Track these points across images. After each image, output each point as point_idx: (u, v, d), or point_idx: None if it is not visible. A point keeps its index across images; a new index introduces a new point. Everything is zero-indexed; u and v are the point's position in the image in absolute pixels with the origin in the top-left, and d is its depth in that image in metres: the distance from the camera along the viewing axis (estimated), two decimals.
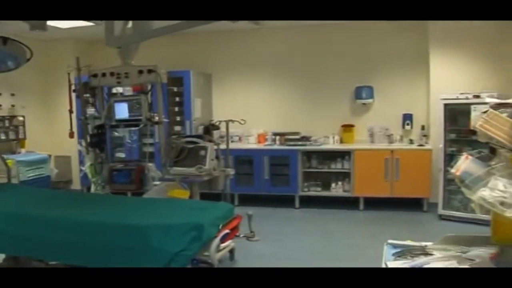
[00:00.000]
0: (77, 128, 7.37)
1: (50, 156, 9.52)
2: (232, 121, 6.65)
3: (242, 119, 6.81)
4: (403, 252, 2.95)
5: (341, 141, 8.65)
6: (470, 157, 2.71)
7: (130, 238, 3.65)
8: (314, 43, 8.82)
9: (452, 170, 2.77)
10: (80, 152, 8.07)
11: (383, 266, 2.80)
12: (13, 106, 9.31)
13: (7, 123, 9.03)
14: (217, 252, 3.88)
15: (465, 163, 2.69)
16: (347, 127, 8.66)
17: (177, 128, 8.68)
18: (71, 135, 6.41)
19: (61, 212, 4.19)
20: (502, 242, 2.74)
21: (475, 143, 3.33)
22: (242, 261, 5.71)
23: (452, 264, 2.54)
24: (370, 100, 8.51)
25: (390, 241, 3.16)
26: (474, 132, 2.74)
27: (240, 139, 8.93)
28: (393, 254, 2.93)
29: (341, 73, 8.67)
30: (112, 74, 5.70)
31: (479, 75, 7.58)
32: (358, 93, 8.53)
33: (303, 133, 8.72)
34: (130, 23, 5.33)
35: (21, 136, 9.30)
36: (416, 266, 2.55)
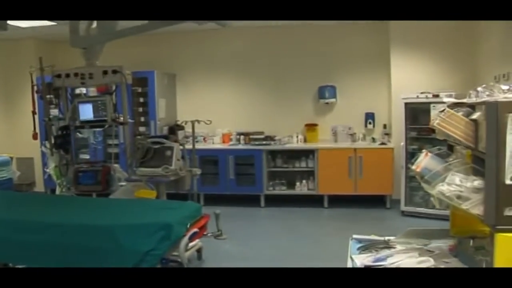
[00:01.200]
0: (40, 129, 7.30)
1: (11, 158, 9.36)
2: (198, 121, 6.69)
3: (208, 120, 6.85)
4: (367, 246, 3.05)
5: (305, 140, 8.77)
6: (429, 154, 2.82)
7: (99, 239, 3.66)
8: (277, 43, 8.90)
9: (413, 167, 2.88)
10: (43, 153, 7.96)
11: (349, 259, 2.89)
12: None
13: None
14: (186, 251, 3.92)
15: (425, 160, 2.80)
16: (311, 126, 8.78)
17: (142, 128, 8.67)
18: (35, 136, 6.34)
19: (28, 214, 4.17)
20: (460, 234, 2.87)
21: (435, 140, 3.45)
22: (210, 261, 5.74)
23: (414, 256, 2.64)
24: (333, 100, 8.64)
25: (355, 236, 3.26)
26: (433, 130, 2.84)
27: (204, 139, 8.95)
28: (358, 248, 3.04)
29: (305, 73, 8.79)
30: (76, 74, 5.64)
31: (438, 74, 7.79)
32: (321, 93, 8.65)
33: (268, 133, 8.80)
34: (94, 23, 5.31)
35: None
36: (380, 259, 2.64)
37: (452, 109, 2.62)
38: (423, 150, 2.96)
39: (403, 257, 2.65)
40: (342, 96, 8.67)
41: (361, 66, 8.64)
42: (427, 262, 2.50)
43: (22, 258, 4.04)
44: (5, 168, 9.06)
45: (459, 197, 2.36)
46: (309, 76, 8.76)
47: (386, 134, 8.40)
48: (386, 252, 2.82)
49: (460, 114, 2.54)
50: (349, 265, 2.79)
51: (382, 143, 8.21)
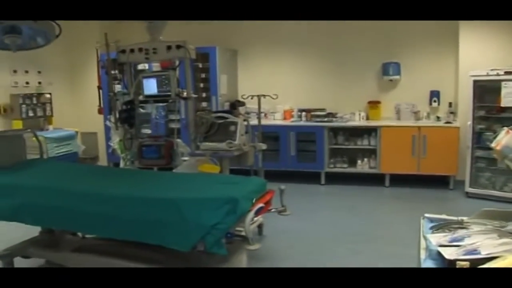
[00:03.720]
0: (105, 104, 7.41)
1: (77, 132, 9.60)
2: (264, 95, 6.60)
3: (274, 94, 6.76)
4: (440, 226, 2.94)
5: (368, 118, 8.63)
6: (511, 131, 2.69)
7: (164, 212, 3.65)
8: None
9: (492, 145, 2.75)
10: (107, 128, 8.11)
11: (421, 239, 2.80)
12: (40, 83, 9.40)
13: (34, 101, 9.13)
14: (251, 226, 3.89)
15: (506, 138, 2.67)
16: (374, 104, 8.61)
17: (203, 104, 8.70)
18: (100, 111, 6.44)
19: (95, 186, 4.21)
20: None
21: (506, 120, 3.31)
22: (271, 236, 5.77)
23: (493, 237, 2.52)
24: (396, 77, 8.44)
25: (426, 215, 3.15)
26: (504, 109, 2.71)
27: (266, 115, 8.92)
28: (431, 228, 2.93)
29: (368, 49, 8.60)
30: (140, 50, 5.67)
31: (511, 50, 7.44)
32: (384, 69, 8.47)
33: (329, 110, 8.69)
34: None
35: (48, 113, 9.42)
36: (457, 239, 2.53)
37: None
38: (504, 128, 2.82)
39: (481, 238, 2.52)
40: (407, 73, 8.45)
41: (427, 42, 8.38)
42: (509, 244, 2.38)
43: (88, 229, 4.17)
44: (71, 142, 9.33)
45: None
46: (372, 52, 8.57)
47: (452, 113, 8.15)
48: (462, 232, 2.70)
49: None
50: (422, 245, 2.70)
51: (447, 122, 7.96)
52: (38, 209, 4.16)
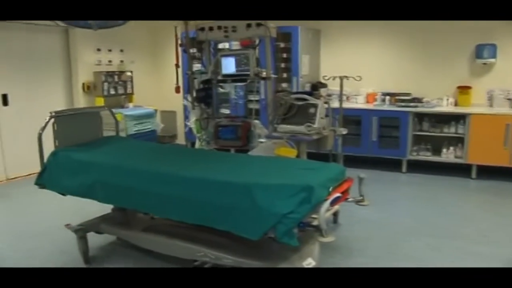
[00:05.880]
0: (183, 83, 7.37)
1: (156, 110, 9.69)
2: (347, 77, 6.27)
3: (357, 76, 6.43)
4: None
5: (456, 104, 8.12)
6: None
7: (236, 197, 3.49)
8: None
9: None
10: (185, 107, 8.09)
11: None
12: (122, 61, 9.54)
13: (116, 78, 9.26)
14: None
15: None
16: (464, 89, 8.08)
17: (284, 85, 8.49)
18: (177, 89, 6.40)
19: (167, 166, 4.12)
20: None
21: None
22: (346, 225, 5.53)
23: None
24: (492, 60, 7.83)
25: None
26: None
27: (348, 98, 8.58)
28: None
29: (460, 30, 8.01)
30: (219, 28, 5.61)
31: None
32: (479, 52, 7.88)
33: (415, 94, 8.25)
34: None
35: (129, 91, 9.55)
36: None
37: None
38: None
39: None
40: (504, 56, 7.82)
41: None
42: None
43: (157, 210, 4.05)
44: (150, 120, 9.43)
45: None
46: (465, 33, 7.99)
47: None
48: None
49: None
50: None
51: None
52: (109, 187, 4.15)
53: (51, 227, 5.62)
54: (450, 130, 7.83)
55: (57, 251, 5.00)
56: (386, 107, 8.24)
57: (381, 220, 5.78)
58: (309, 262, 3.62)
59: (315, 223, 3.64)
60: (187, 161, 4.46)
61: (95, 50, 9.08)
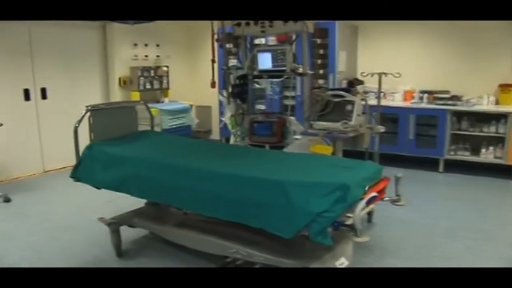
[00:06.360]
0: (219, 78, 7.36)
1: (191, 106, 9.72)
2: (385, 73, 6.14)
3: (396, 72, 6.30)
4: None
5: (497, 103, 7.90)
6: None
7: (270, 194, 3.44)
8: None
9: None
10: (221, 102, 8.09)
11: None
12: (158, 56, 9.60)
13: (152, 73, 9.33)
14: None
15: None
16: (506, 87, 7.84)
17: (320, 81, 8.41)
18: (213, 85, 6.38)
19: (201, 162, 4.10)
20: None
21: None
22: (380, 225, 5.45)
23: None
24: None
25: None
26: None
27: (385, 96, 8.45)
28: None
29: (502, 26, 7.77)
30: (256, 23, 5.55)
31: None
32: None
33: (454, 92, 8.06)
34: None
35: (164, 85, 9.61)
36: None
37: None
38: None
39: None
40: None
41: None
42: None
43: (189, 205, 4.04)
44: (186, 114, 9.47)
45: None
46: (507, 30, 7.76)
47: None
48: None
49: None
50: None
51: None
52: (143, 181, 4.16)
53: (85, 220, 5.68)
54: (490, 130, 7.63)
55: (90, 243, 5.05)
56: (424, 105, 8.08)
57: (417, 220, 5.66)
58: (342, 262, 3.56)
59: (349, 222, 3.58)
60: (221, 157, 4.44)
61: (131, 45, 9.15)
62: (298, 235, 3.37)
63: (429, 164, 8.03)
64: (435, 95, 8.12)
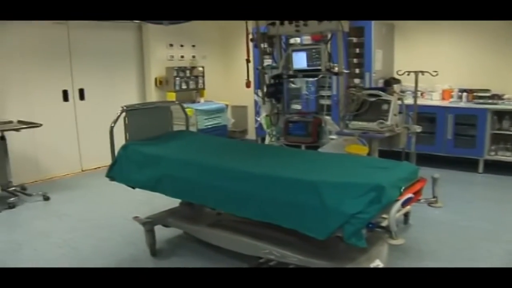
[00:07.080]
0: (254, 78, 7.35)
1: (227, 105, 9.75)
2: (422, 72, 6.02)
3: (433, 71, 6.17)
4: None
5: None
6: None
7: (303, 195, 3.41)
8: None
9: None
10: (256, 102, 8.08)
11: None
12: (193, 57, 9.65)
13: (188, 73, 9.39)
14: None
15: None
16: None
17: (356, 81, 8.31)
18: (248, 84, 6.37)
19: (235, 162, 4.10)
20: None
21: None
22: (417, 226, 5.34)
23: None
24: None
25: None
26: None
27: (422, 95, 8.30)
28: None
29: None
30: (291, 22, 5.53)
31: None
32: None
33: (495, 91, 7.84)
34: None
35: (200, 86, 9.66)
36: None
37: None
38: None
39: None
40: None
41: None
42: None
43: (223, 205, 4.04)
44: (221, 114, 9.50)
45: None
46: None
47: None
48: None
49: None
50: None
51: None
52: (177, 181, 4.18)
53: (120, 219, 5.76)
54: None
55: (125, 242, 5.11)
56: (463, 104, 7.90)
57: (455, 222, 5.53)
58: (377, 264, 3.50)
59: (384, 224, 3.52)
60: (255, 157, 4.43)
61: (167, 45, 9.23)
62: (332, 236, 3.33)
63: (468, 165, 7.85)
64: (475, 93, 7.93)
